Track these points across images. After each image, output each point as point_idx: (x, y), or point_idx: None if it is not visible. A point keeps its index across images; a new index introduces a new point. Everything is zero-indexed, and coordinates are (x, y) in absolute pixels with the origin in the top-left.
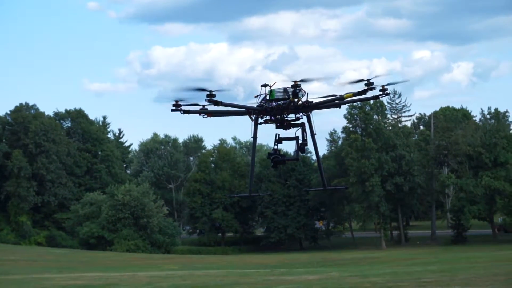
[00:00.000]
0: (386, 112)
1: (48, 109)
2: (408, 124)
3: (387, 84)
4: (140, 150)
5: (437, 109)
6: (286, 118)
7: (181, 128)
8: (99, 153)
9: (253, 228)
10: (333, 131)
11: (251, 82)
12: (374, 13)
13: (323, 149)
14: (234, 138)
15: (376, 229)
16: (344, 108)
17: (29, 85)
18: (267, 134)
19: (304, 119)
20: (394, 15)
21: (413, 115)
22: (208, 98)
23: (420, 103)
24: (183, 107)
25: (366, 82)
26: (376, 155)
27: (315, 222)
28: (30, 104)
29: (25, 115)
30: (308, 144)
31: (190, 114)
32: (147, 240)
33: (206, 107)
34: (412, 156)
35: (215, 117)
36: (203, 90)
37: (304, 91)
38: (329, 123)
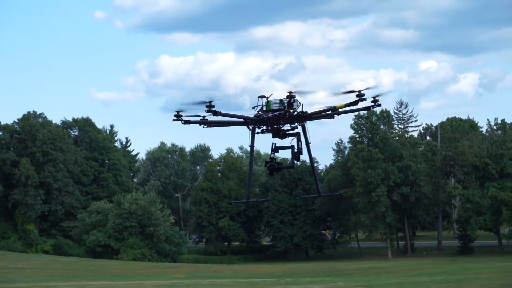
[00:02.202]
0: (392, 122)
1: (55, 118)
2: (415, 134)
3: (377, 96)
4: (147, 159)
5: (444, 119)
6: (282, 128)
7: (188, 137)
8: (106, 161)
9: (260, 237)
10: (339, 141)
11: (257, 92)
12: (380, 24)
13: (329, 159)
14: (241, 148)
15: (382, 239)
16: (350, 118)
17: (37, 93)
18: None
19: (300, 129)
20: (401, 26)
21: (420, 125)
22: (207, 109)
23: (426, 113)
24: (183, 118)
25: (357, 93)
26: (383, 165)
27: (321, 232)
28: (38, 112)
29: (32, 123)
30: (304, 153)
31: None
32: (153, 249)
33: (206, 117)
34: (419, 166)
35: (221, 127)
36: (203, 102)
37: (299, 102)
38: (335, 133)
